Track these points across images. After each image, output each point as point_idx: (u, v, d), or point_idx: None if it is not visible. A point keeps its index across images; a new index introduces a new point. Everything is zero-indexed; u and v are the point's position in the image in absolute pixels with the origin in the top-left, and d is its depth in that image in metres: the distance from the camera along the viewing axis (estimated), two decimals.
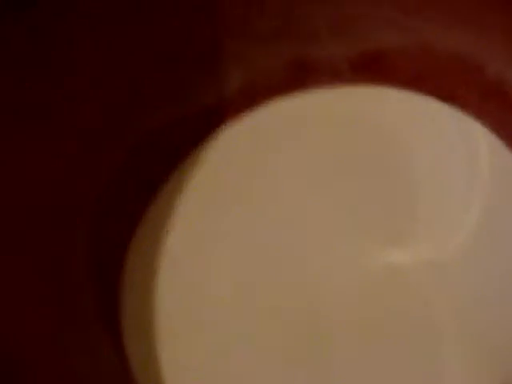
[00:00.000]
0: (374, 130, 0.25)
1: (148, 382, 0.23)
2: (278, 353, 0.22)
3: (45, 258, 0.22)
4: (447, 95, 0.25)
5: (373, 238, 0.23)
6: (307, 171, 0.25)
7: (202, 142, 0.27)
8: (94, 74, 0.23)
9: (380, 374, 0.21)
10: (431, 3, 0.24)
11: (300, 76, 0.26)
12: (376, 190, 0.24)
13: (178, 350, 0.24)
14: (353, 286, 0.23)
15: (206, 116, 0.26)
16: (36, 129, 0.22)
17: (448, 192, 0.24)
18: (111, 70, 0.24)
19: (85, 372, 0.22)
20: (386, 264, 0.23)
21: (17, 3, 0.21)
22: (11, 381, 0.19)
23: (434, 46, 0.24)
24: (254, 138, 0.27)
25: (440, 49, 0.24)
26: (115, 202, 0.25)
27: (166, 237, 0.25)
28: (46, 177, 0.23)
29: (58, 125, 0.23)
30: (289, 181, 0.25)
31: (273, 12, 0.25)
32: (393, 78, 0.26)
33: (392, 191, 0.24)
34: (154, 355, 0.24)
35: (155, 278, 0.25)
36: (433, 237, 0.23)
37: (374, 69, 0.26)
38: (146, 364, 0.23)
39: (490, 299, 0.22)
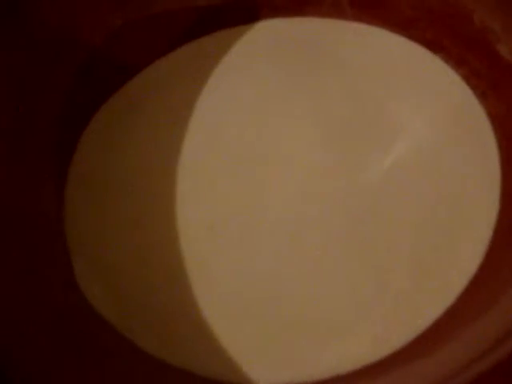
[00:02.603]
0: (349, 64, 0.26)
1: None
2: None
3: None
4: (433, 43, 0.24)
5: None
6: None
7: (189, 41, 0.28)
8: None
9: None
10: None
11: (301, 2, 0.27)
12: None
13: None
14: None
15: (201, 17, 0.27)
16: None
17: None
18: None
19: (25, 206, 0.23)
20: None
21: None
22: None
23: None
24: (244, 47, 0.27)
25: None
26: (89, 78, 0.26)
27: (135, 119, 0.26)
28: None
29: None
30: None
31: None
32: (388, 20, 0.26)
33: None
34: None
35: (111, 152, 0.26)
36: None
37: (372, 8, 0.26)
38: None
39: None
